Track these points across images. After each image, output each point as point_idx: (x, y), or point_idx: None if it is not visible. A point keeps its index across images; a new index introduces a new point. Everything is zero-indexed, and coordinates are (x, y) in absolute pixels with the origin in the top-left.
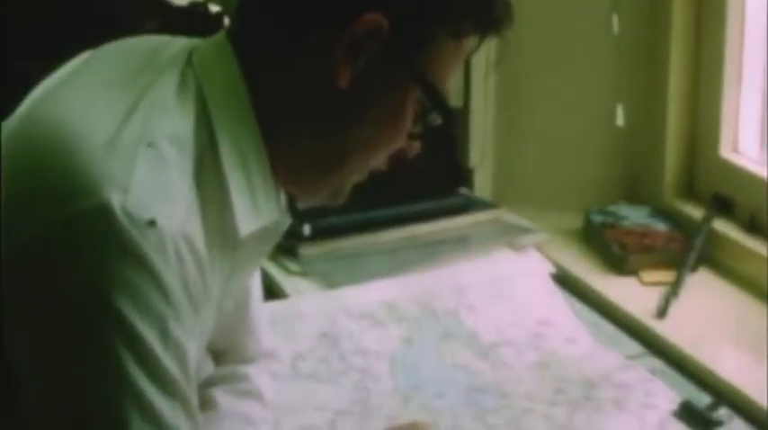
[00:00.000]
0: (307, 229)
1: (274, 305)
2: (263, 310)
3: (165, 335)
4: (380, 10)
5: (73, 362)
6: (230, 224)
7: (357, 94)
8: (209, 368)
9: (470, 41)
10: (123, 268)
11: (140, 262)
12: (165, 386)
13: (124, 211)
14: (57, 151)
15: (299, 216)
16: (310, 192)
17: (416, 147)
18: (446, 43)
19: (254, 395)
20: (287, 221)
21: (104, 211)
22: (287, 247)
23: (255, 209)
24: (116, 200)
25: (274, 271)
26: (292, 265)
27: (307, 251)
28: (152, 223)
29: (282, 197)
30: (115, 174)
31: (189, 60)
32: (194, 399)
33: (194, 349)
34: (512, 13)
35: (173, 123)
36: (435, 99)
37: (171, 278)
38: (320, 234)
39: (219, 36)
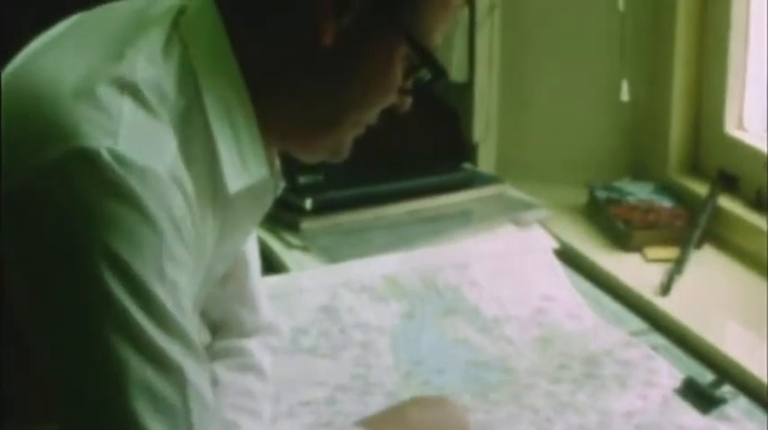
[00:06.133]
0: (308, 203)
1: (275, 279)
2: (261, 284)
3: (161, 274)
4: None
5: (70, 307)
6: (219, 181)
7: (342, 51)
8: (205, 339)
9: None
10: (115, 209)
11: (132, 202)
12: (165, 325)
13: (113, 154)
14: (40, 101)
15: (294, 182)
16: (307, 150)
17: (408, 102)
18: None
19: (254, 369)
20: (281, 185)
21: (91, 155)
22: (288, 221)
23: (244, 166)
24: (104, 144)
25: (276, 245)
26: (294, 240)
27: (308, 225)
28: (143, 165)
29: (277, 161)
30: (101, 118)
31: (175, 22)
32: (195, 337)
33: (190, 291)
34: None
35: (156, 75)
36: (423, 55)
37: (163, 218)
38: (322, 208)
39: None
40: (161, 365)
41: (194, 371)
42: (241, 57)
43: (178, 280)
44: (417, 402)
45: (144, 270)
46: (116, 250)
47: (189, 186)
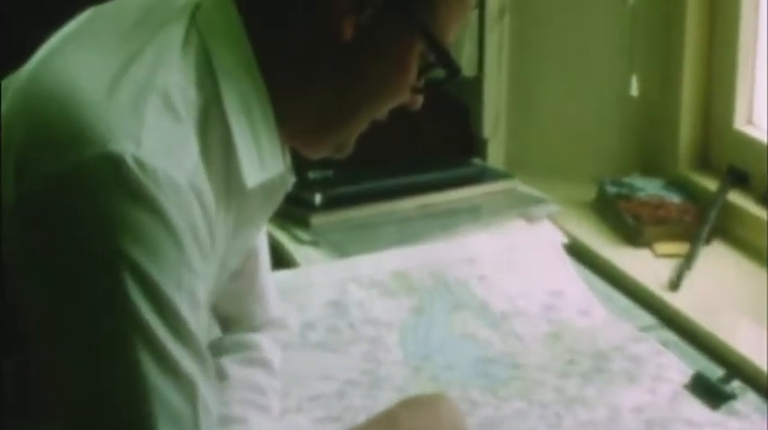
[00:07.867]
0: (318, 199)
1: (285, 274)
2: (271, 279)
3: (179, 283)
4: None
5: (88, 313)
6: (235, 176)
7: (361, 48)
8: (215, 334)
9: None
10: (136, 216)
11: (153, 209)
12: (180, 335)
13: (136, 161)
14: (63, 103)
15: (304, 178)
16: (315, 146)
17: (419, 100)
18: None
19: (263, 364)
20: (291, 179)
21: (115, 160)
22: (298, 217)
23: (261, 160)
24: (128, 149)
25: (285, 240)
26: (303, 235)
27: (318, 220)
28: (164, 173)
29: (288, 155)
30: (125, 123)
31: (192, 18)
32: (204, 345)
33: (204, 300)
34: None
35: (178, 75)
36: (439, 51)
37: (183, 227)
38: (332, 203)
39: None
40: (175, 375)
41: (204, 383)
42: (258, 52)
43: (194, 289)
44: (408, 404)
45: (163, 279)
46: (137, 258)
47: (207, 194)
